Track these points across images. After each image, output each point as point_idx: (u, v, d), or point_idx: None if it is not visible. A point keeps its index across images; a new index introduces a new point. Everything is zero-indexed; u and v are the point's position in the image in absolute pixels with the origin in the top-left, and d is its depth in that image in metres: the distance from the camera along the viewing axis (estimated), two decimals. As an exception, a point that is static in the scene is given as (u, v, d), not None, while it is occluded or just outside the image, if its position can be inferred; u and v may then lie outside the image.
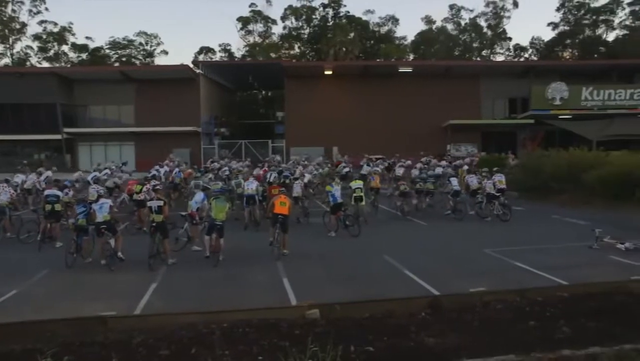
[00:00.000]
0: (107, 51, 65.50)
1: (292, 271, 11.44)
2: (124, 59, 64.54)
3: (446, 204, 20.64)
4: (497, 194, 19.60)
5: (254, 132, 45.14)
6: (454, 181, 20.92)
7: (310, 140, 38.22)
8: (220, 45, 68.34)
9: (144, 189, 17.26)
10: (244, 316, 7.86)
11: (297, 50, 68.31)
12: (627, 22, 67.23)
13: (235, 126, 49.04)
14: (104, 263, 12.27)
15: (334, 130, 38.86)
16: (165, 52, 70.13)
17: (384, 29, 70.10)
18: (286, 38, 67.88)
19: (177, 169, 24.91)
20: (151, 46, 68.08)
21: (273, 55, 63.14)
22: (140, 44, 67.22)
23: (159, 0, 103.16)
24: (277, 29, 68.75)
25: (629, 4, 65.94)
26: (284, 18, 66.80)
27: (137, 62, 64.86)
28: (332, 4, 66.53)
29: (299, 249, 14.30)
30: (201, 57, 64.87)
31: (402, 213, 20.34)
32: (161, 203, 12.69)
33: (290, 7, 66.18)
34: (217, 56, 66.51)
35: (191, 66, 44.51)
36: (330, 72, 40.98)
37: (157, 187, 15.02)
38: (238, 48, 68.97)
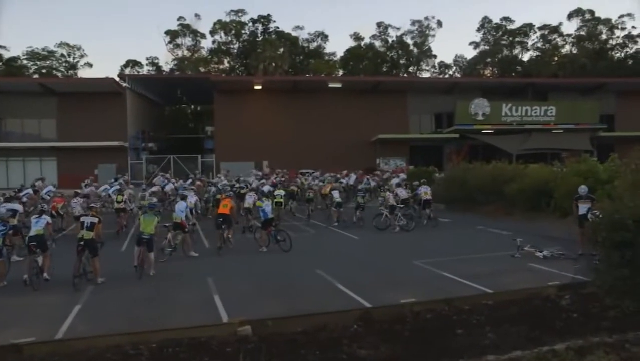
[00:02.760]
0: (25, 62, 62.15)
1: (224, 287, 11.22)
2: (43, 70, 61.61)
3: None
4: (401, 205, 20.66)
5: (183, 148, 44.30)
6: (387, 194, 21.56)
7: (241, 155, 37.99)
8: (147, 59, 66.82)
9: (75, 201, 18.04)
10: (173, 335, 7.62)
11: (226, 64, 67.94)
12: (539, 45, 71.80)
13: (164, 141, 47.97)
14: (26, 281, 11.53)
15: (264, 145, 38.80)
16: (90, 65, 67.78)
17: (313, 45, 71.05)
18: (215, 52, 67.35)
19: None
20: (74, 58, 65.61)
21: (202, 69, 62.45)
22: (62, 55, 64.58)
23: (82, 10, 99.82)
24: (206, 43, 68.13)
25: (539, 28, 70.66)
26: (213, 32, 66.38)
27: (59, 74, 62.16)
28: (262, 20, 66.82)
29: (230, 264, 14.14)
30: (128, 71, 63.23)
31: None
32: (95, 220, 12.18)
33: (219, 21, 65.86)
34: (145, 70, 65.11)
35: (117, 79, 43.19)
36: (260, 87, 40.98)
37: (93, 204, 14.48)
38: (166, 62, 67.67)
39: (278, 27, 67.38)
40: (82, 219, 12.56)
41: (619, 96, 45.95)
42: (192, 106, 62.07)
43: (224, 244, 16.02)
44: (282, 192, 23.04)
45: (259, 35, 67.24)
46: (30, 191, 23.84)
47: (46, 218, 12.60)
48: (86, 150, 36.83)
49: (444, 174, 31.61)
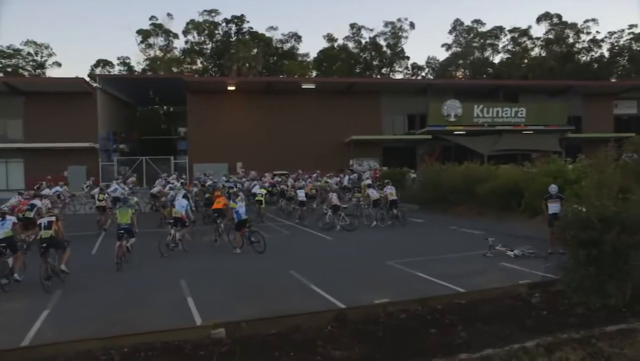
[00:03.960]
0: (-12, 60, 60.64)
1: (197, 289, 11.14)
2: (9, 69, 60.17)
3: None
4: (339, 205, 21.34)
5: (156, 149, 43.73)
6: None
7: (214, 156, 37.69)
8: (119, 59, 65.77)
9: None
10: (146, 339, 7.53)
11: (199, 65, 67.37)
12: (509, 47, 73.18)
13: (136, 142, 47.33)
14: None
15: (237, 146, 38.60)
16: (58, 64, 66.40)
17: (287, 46, 70.96)
18: (188, 53, 66.75)
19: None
20: (42, 57, 64.12)
21: (175, 69, 61.84)
22: (29, 54, 63.00)
23: (50, 8, 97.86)
24: (179, 43, 67.45)
25: (509, 31, 72.06)
26: (185, 32, 65.75)
27: (26, 73, 60.80)
28: (235, 20, 66.47)
29: (204, 266, 14.05)
30: (98, 70, 62.15)
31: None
32: (52, 218, 12.01)
33: (192, 21, 65.30)
34: (116, 70, 64.10)
35: (87, 79, 42.41)
36: (233, 88, 40.72)
37: (50, 207, 14.35)
38: (138, 62, 66.73)
39: (251, 28, 67.19)
40: (38, 221, 12.54)
41: (585, 98, 46.98)
42: (165, 107, 61.33)
43: (219, 237, 17.35)
44: (263, 191, 24.15)
45: (233, 35, 66.86)
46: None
47: (11, 219, 12.35)
48: (55, 151, 36.05)
49: (417, 174, 31.89)
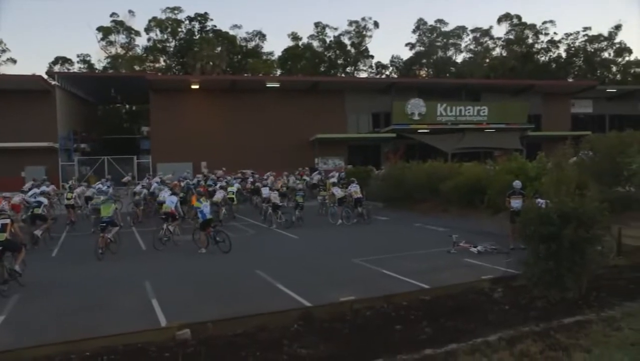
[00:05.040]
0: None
1: (162, 290, 10.98)
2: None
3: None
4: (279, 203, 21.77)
5: (118, 148, 42.90)
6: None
7: (178, 155, 37.23)
8: (78, 56, 64.28)
9: None
10: (108, 342, 7.37)
11: (162, 63, 66.45)
12: (472, 47, 74.55)
13: (97, 142, 46.36)
14: None
15: (202, 145, 38.21)
16: (13, 61, 64.49)
17: (251, 44, 70.60)
18: (151, 51, 65.71)
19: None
20: (-6, 53, 62.27)
21: (137, 68, 60.73)
22: (-19, 50, 61.21)
23: (4, 2, 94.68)
24: (141, 41, 66.36)
25: (472, 31, 73.49)
26: (148, 30, 64.71)
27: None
28: (199, 18, 65.74)
29: (169, 267, 13.88)
30: (57, 68, 60.53)
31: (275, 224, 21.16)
32: (7, 221, 11.63)
33: (154, 19, 64.26)
34: (75, 67, 62.60)
35: (45, 77, 41.28)
36: (197, 87, 40.28)
37: (2, 211, 13.95)
38: (99, 59, 65.32)
39: (215, 26, 66.56)
40: None
41: (544, 98, 48.18)
42: (127, 106, 60.29)
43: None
44: (234, 188, 25.00)
45: (196, 33, 66.09)
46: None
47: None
48: (11, 151, 34.97)
49: (381, 173, 32.14)
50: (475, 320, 7.67)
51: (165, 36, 65.89)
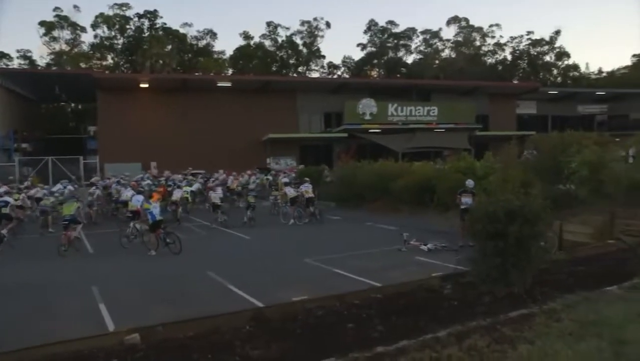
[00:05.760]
0: None
1: (110, 294, 10.69)
2: None
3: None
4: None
5: (63, 148, 41.35)
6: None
7: (127, 156, 36.29)
8: (18, 52, 61.55)
9: None
10: (54, 350, 7.11)
11: (110, 61, 64.71)
12: (422, 48, 75.99)
13: (40, 141, 44.64)
14: None
15: (152, 145, 37.41)
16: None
17: (202, 43, 69.72)
18: (97, 48, 63.83)
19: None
20: None
21: (83, 65, 58.92)
22: None
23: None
24: (87, 38, 64.31)
25: (422, 33, 74.94)
26: (94, 26, 62.80)
27: None
28: (148, 15, 64.36)
29: (117, 270, 13.55)
30: (-5, 64, 57.98)
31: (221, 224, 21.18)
32: None
33: (101, 15, 62.40)
34: (15, 63, 59.94)
35: (-18, 73, 39.47)
36: (146, 85, 39.45)
37: None
38: (41, 56, 62.96)
39: (165, 24, 65.27)
40: None
41: (491, 98, 49.59)
42: (73, 104, 58.35)
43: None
44: (189, 188, 25.31)
45: (145, 31, 64.63)
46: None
47: None
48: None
49: (333, 172, 32.32)
50: (425, 316, 7.81)
51: (113, 33, 64.15)
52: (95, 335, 7.92)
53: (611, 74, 77.94)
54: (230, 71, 67.40)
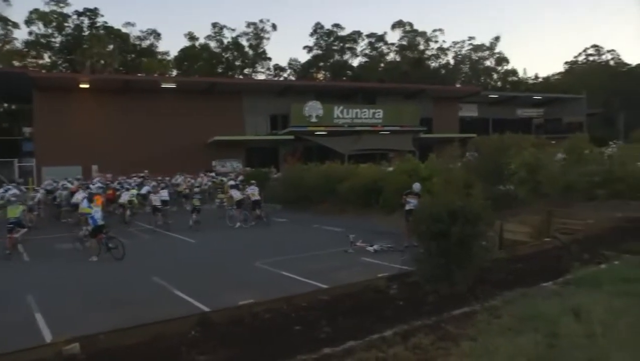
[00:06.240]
0: None
1: (48, 303, 10.26)
2: None
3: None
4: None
5: (-4, 151, 39.53)
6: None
7: (66, 159, 34.97)
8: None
9: None
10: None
11: (47, 60, 62.11)
12: (367, 51, 76.99)
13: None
14: None
15: (93, 148, 36.20)
16: None
17: (145, 43, 68.17)
18: (33, 45, 61.15)
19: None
20: None
21: (17, 63, 56.39)
22: None
23: None
24: (21, 34, 61.58)
25: (367, 36, 75.98)
26: (29, 22, 60.03)
27: None
28: (88, 13, 62.30)
29: (56, 277, 13.07)
30: None
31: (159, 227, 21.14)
32: None
33: (36, 10, 59.83)
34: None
35: None
36: (87, 86, 38.14)
37: None
38: (-35, 52, 59.62)
39: (106, 23, 63.35)
40: None
41: (435, 101, 50.77)
42: (6, 104, 55.72)
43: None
44: (135, 192, 25.06)
45: (85, 29, 62.52)
46: None
47: None
48: None
49: (280, 174, 32.28)
50: (372, 316, 7.88)
51: (50, 31, 61.69)
52: (31, 346, 7.58)
53: (547, 79, 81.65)
54: (174, 72, 66.22)
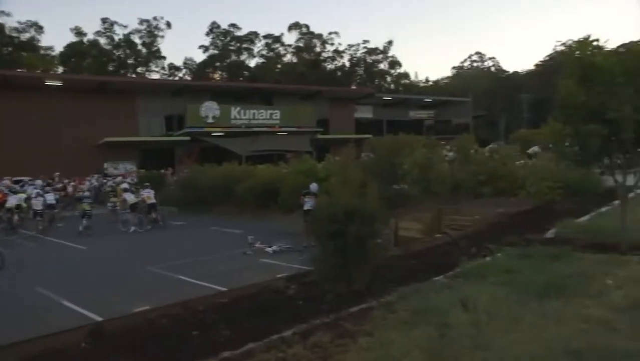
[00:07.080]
0: None
1: None
2: None
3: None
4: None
5: None
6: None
7: None
8: None
9: None
10: None
11: None
12: (264, 52, 77.03)
13: None
14: None
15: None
16: None
17: (25, 36, 63.47)
18: None
19: None
20: None
21: None
22: None
23: None
24: None
25: (264, 37, 76.02)
26: None
27: None
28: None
29: None
30: None
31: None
32: None
33: None
34: None
35: None
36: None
37: None
38: None
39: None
40: None
41: (331, 103, 51.79)
42: None
43: None
44: (23, 196, 23.21)
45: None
46: None
47: None
48: None
49: (176, 176, 31.46)
50: (271, 317, 7.90)
51: None
52: None
53: (436, 82, 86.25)
54: (60, 69, 62.34)
